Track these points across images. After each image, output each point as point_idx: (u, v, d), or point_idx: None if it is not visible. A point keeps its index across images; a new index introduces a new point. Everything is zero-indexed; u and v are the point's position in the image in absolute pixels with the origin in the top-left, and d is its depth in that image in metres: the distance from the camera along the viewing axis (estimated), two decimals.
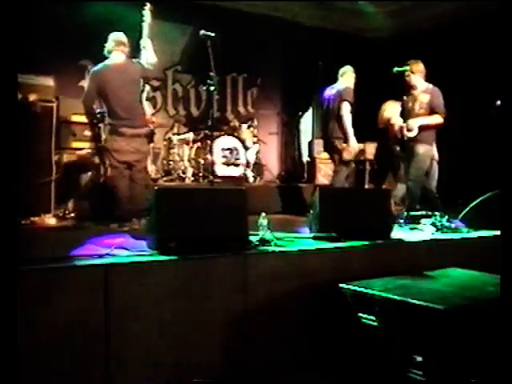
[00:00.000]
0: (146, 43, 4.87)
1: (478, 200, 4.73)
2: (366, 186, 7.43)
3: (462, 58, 7.57)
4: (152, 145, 5.87)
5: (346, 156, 5.75)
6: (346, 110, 5.69)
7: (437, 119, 5.37)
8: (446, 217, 4.56)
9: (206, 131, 6.80)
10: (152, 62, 4.89)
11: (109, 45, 4.78)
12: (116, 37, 4.79)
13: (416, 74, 5.46)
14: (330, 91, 5.98)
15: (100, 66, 4.81)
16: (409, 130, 5.36)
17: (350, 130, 5.71)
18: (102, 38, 4.87)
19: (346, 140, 5.73)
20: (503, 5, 2.98)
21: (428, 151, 5.41)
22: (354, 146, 5.77)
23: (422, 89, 5.46)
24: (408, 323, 2.71)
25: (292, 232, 4.08)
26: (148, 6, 4.95)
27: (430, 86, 5.48)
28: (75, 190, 5.93)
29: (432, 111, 5.38)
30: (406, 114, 5.53)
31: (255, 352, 3.03)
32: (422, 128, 5.34)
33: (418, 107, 5.42)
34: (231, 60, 7.37)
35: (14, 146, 2.20)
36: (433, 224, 4.52)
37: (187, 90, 8.40)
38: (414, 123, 5.35)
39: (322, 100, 6.12)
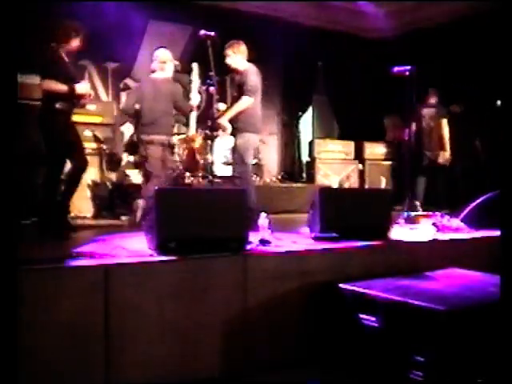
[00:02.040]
0: (194, 98, 5.40)
1: (478, 200, 4.72)
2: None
3: (462, 58, 7.56)
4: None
5: (441, 161, 6.74)
6: (447, 127, 6.81)
7: (242, 103, 4.76)
8: (447, 217, 4.56)
9: (206, 131, 6.79)
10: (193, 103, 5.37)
11: (153, 64, 5.09)
12: (157, 55, 5.08)
13: (236, 56, 4.90)
14: (426, 109, 6.90)
15: (142, 80, 5.43)
16: (224, 130, 4.91)
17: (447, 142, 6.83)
18: (102, 38, 4.87)
19: (443, 149, 6.73)
20: (503, 5, 2.98)
21: (248, 141, 4.83)
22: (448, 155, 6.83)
23: (240, 70, 4.90)
24: (408, 324, 2.70)
25: (292, 232, 4.09)
26: (196, 68, 5.62)
27: (250, 65, 4.91)
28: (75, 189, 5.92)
29: (240, 93, 4.79)
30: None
31: (255, 351, 3.03)
32: (236, 118, 4.81)
33: (234, 90, 4.89)
34: None
35: (13, 146, 2.20)
36: (433, 224, 4.52)
37: (187, 90, 8.37)
38: (222, 120, 4.85)
39: (418, 116, 6.88)
